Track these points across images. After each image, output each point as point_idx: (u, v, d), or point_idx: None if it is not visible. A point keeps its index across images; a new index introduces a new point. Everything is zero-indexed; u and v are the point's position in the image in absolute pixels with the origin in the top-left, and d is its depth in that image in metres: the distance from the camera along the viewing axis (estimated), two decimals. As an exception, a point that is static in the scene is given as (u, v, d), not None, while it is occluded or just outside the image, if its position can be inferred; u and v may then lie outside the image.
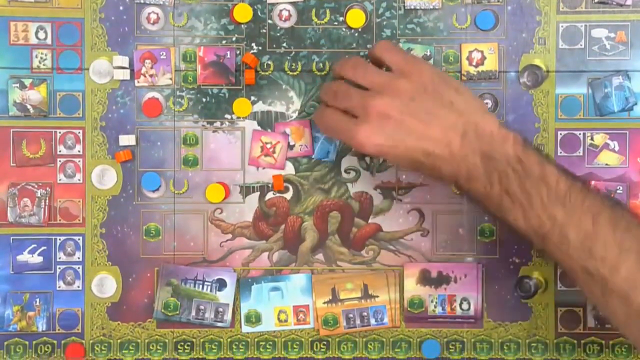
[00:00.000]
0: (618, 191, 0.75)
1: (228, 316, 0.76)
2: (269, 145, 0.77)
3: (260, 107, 0.77)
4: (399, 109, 0.66)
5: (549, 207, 0.63)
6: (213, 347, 0.77)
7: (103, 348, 0.76)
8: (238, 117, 0.77)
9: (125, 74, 0.76)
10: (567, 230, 0.63)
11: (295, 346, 0.77)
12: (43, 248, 0.76)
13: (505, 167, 0.64)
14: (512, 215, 0.65)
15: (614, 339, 0.76)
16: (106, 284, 0.76)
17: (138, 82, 0.76)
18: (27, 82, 0.75)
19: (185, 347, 0.77)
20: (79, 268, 0.76)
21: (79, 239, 0.76)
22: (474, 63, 0.76)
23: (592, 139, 0.76)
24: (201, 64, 0.76)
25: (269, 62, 0.77)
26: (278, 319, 0.77)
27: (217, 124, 0.77)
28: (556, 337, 0.76)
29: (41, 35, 0.76)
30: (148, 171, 0.76)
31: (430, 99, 0.67)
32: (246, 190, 0.77)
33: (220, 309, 0.76)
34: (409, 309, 0.76)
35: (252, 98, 0.77)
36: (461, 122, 0.66)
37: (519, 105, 0.76)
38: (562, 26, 0.76)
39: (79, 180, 0.76)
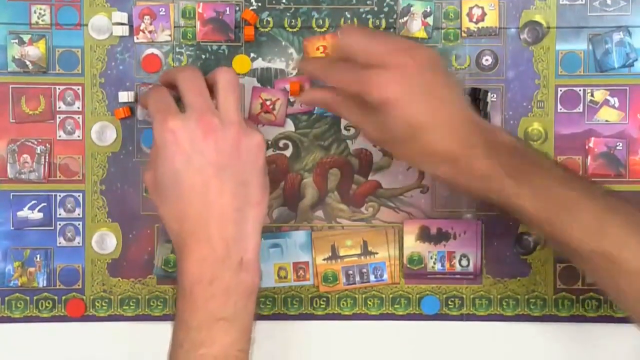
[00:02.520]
0: (617, 147, 0.76)
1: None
2: (268, 102, 0.76)
3: (259, 64, 0.77)
4: (421, 68, 0.64)
5: (551, 187, 0.63)
6: (213, 303, 0.77)
7: (104, 304, 0.77)
8: (237, 74, 0.76)
9: (124, 30, 0.75)
10: (574, 211, 0.62)
11: (295, 302, 0.77)
12: (43, 204, 0.76)
13: (504, 151, 0.64)
14: (518, 198, 0.63)
15: (612, 295, 0.76)
16: (106, 241, 0.76)
17: (137, 38, 0.76)
18: (26, 38, 0.75)
19: (186, 303, 0.77)
20: (79, 224, 0.77)
21: (79, 196, 0.76)
22: (474, 19, 0.76)
23: (592, 95, 0.76)
24: (200, 21, 0.76)
25: (269, 19, 0.76)
26: (278, 275, 0.77)
27: (217, 80, 0.77)
28: (555, 292, 0.77)
29: (39, -10, 0.75)
30: (148, 128, 0.76)
31: (446, 79, 0.66)
32: (246, 147, 0.77)
33: (220, 266, 0.76)
34: (408, 265, 0.77)
35: (252, 55, 0.76)
36: (465, 111, 0.65)
37: (519, 62, 0.76)
38: (562, -18, 0.76)
39: (79, 136, 0.76)
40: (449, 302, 0.77)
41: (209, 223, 0.64)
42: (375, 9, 0.76)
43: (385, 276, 0.77)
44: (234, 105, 0.66)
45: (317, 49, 0.76)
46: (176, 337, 0.65)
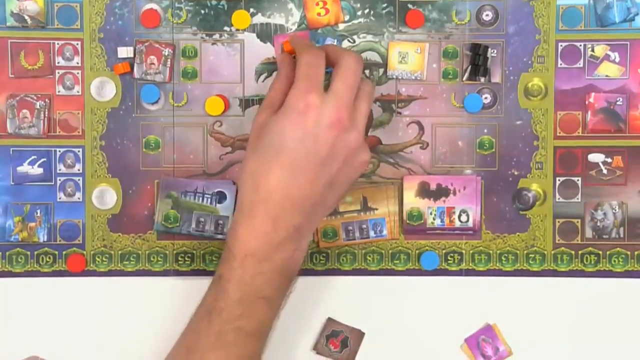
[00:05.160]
0: (618, 102, 0.75)
1: (228, 228, 0.77)
2: (268, 59, 0.76)
3: (259, 19, 0.76)
4: None
5: None
6: (213, 258, 0.77)
7: (104, 259, 0.77)
8: (237, 30, 0.76)
9: (123, -15, 0.75)
10: None
11: (294, 258, 0.77)
12: (43, 160, 0.76)
13: None
14: None
15: (610, 250, 0.77)
16: (106, 196, 0.76)
17: (136, -7, 0.76)
18: (24, -8, 0.75)
19: (186, 258, 0.77)
20: (79, 180, 0.77)
21: (78, 151, 0.76)
22: (474, -26, 0.76)
23: (592, 50, 0.76)
24: (200, -25, 0.76)
25: (268, -26, 0.76)
26: (278, 231, 0.77)
27: (216, 36, 0.76)
28: (554, 248, 0.77)
29: (38, -56, 0.75)
30: (147, 83, 0.76)
31: None
32: (245, 103, 0.77)
33: (220, 222, 0.77)
34: (407, 221, 0.77)
35: (251, 10, 0.76)
36: None
37: (520, 17, 0.76)
38: (564, -64, 0.75)
39: (78, 92, 0.76)
40: (449, 258, 0.77)
41: (285, 204, 0.64)
42: (376, -37, 0.76)
43: (385, 232, 0.77)
44: (364, 117, 0.67)
45: (317, 4, 0.76)
46: (214, 303, 0.65)
